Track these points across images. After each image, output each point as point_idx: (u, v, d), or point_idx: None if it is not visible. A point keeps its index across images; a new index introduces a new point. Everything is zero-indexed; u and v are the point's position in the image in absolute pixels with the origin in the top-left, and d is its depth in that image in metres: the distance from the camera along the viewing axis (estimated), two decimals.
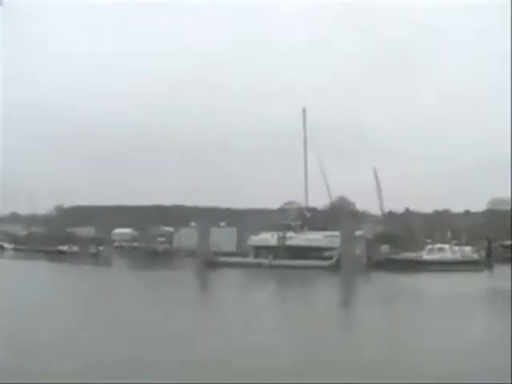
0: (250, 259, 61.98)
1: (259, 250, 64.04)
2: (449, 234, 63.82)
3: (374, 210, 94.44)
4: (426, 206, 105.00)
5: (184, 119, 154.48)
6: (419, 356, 15.27)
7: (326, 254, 58.12)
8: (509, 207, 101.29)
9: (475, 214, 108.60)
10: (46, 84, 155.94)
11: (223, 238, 73.02)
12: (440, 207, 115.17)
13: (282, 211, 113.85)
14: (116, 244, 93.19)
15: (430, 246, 62.19)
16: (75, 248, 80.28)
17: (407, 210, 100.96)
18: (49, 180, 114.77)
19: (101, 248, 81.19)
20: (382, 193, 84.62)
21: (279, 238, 62.80)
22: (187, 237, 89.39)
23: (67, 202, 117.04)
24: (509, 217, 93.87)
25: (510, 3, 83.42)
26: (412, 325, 21.81)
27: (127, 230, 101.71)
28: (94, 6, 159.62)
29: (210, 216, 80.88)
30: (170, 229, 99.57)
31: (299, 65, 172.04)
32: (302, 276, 49.54)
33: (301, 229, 65.90)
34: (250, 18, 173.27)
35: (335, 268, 54.93)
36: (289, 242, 62.35)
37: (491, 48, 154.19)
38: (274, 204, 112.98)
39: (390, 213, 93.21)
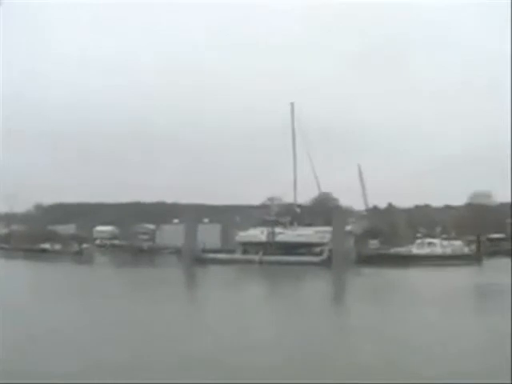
0: (240, 255, 60.72)
1: (247, 247, 62.95)
2: (438, 229, 63.52)
3: (356, 205, 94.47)
4: (406, 202, 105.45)
5: (166, 116, 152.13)
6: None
7: (318, 249, 57.54)
8: (489, 201, 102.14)
9: (457, 208, 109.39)
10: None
11: (207, 234, 71.95)
12: (420, 202, 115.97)
13: (265, 207, 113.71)
14: (98, 242, 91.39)
15: (419, 241, 61.74)
16: (57, 246, 78.47)
17: (390, 205, 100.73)
18: (28, 177, 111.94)
19: (83, 246, 79.41)
20: (365, 188, 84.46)
21: (269, 234, 61.60)
22: (170, 234, 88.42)
23: (46, 200, 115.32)
24: (490, 210, 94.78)
25: (510, 3, 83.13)
26: (406, 320, 20.95)
27: (108, 228, 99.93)
28: (93, 6, 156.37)
29: (192, 213, 79.35)
30: (152, 226, 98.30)
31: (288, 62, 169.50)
32: (293, 272, 47.92)
33: (290, 224, 64.99)
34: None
35: (327, 263, 54.01)
36: (278, 238, 61.21)
37: (477, 47, 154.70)
38: (255, 200, 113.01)
39: (375, 208, 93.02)
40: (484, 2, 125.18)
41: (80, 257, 71.36)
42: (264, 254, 58.26)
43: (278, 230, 62.33)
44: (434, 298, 28.77)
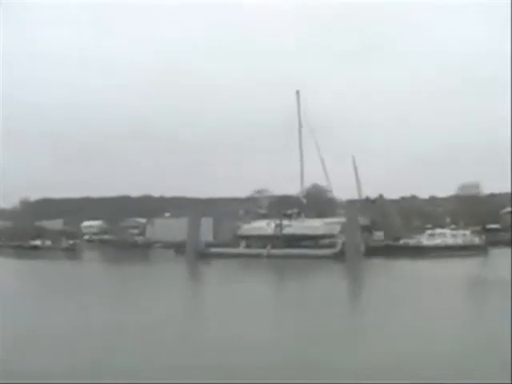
0: (246, 249, 57.35)
1: (252, 240, 60.29)
2: (448, 219, 61.97)
3: (346, 197, 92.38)
4: (392, 193, 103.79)
5: (153, 111, 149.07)
6: None
7: (328, 241, 55.27)
8: (477, 192, 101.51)
9: (448, 200, 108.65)
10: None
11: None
12: (407, 193, 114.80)
13: (253, 200, 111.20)
14: (87, 237, 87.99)
15: (429, 232, 60.01)
16: (48, 242, 74.95)
17: (381, 196, 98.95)
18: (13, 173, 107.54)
19: (72, 242, 76.06)
20: (360, 180, 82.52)
21: (276, 227, 58.09)
22: (162, 228, 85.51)
23: (33, 195, 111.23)
24: (478, 201, 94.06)
25: (510, 3, 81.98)
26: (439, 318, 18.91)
27: (96, 223, 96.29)
28: (93, 6, 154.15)
29: (179, 206, 76.67)
30: (142, 220, 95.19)
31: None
32: (306, 267, 45.34)
33: (298, 216, 61.88)
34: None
35: (340, 257, 51.51)
36: (286, 231, 57.45)
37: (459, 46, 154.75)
38: (242, 193, 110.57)
39: (367, 199, 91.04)
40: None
41: (73, 253, 68.12)
42: (272, 247, 55.82)
43: (284, 222, 59.71)
44: (472, 293, 27.15)
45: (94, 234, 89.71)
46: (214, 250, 57.35)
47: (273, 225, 58.51)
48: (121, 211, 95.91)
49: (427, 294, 25.97)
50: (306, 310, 21.80)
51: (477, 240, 58.26)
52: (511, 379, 10.59)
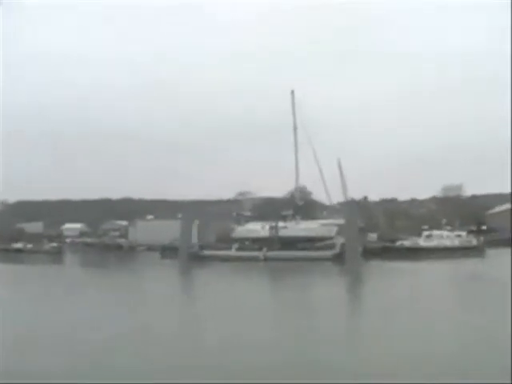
0: (242, 252, 54.89)
1: (245, 243, 58.41)
2: (444, 221, 60.96)
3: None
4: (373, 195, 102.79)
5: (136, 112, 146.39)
6: None
7: (324, 243, 53.60)
8: (458, 193, 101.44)
9: (426, 201, 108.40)
10: None
11: (178, 229, 67.04)
12: (388, 196, 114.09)
13: (236, 202, 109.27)
14: (69, 240, 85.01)
15: (426, 233, 58.96)
16: (30, 246, 71.73)
17: (365, 198, 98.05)
18: None
19: (55, 245, 73.10)
20: (346, 182, 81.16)
21: (271, 229, 55.68)
22: (144, 230, 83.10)
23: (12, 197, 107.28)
24: (461, 202, 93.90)
25: (510, 3, 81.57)
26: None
27: (77, 225, 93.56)
28: (93, 7, 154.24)
29: (159, 208, 74.57)
30: (124, 222, 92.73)
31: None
32: (307, 269, 43.81)
33: (293, 218, 59.82)
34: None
35: (340, 258, 50.26)
36: (282, 233, 55.07)
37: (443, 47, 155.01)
38: (223, 195, 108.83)
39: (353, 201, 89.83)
40: None
41: (57, 256, 65.10)
42: (267, 249, 53.89)
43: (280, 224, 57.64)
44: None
45: (76, 236, 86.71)
46: (207, 252, 55.20)
47: (267, 227, 56.48)
48: (101, 214, 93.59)
49: (433, 298, 24.76)
50: (317, 315, 20.38)
51: (474, 241, 57.43)
52: (511, 379, 10.33)
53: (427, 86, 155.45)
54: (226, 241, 61.06)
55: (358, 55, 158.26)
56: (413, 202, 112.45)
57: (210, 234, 67.53)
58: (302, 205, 63.09)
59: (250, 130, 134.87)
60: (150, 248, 71.71)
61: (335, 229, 54.10)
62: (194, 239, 67.59)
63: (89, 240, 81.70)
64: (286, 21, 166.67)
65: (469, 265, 45.89)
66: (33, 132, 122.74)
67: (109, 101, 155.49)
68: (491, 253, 55.62)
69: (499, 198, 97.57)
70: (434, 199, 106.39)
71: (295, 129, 59.93)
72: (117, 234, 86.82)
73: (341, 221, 55.34)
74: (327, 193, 61.73)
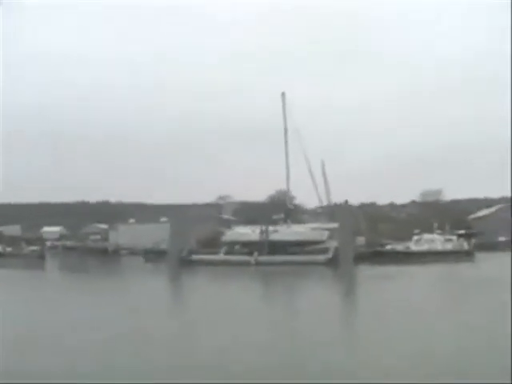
0: (234, 257, 53.34)
1: (233, 247, 56.89)
2: (435, 225, 60.36)
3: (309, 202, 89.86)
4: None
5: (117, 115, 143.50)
6: None
7: (314, 247, 52.44)
8: (439, 198, 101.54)
9: (407, 206, 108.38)
10: None
11: (161, 233, 65.71)
12: (366, 200, 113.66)
13: (217, 206, 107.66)
14: (49, 243, 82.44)
15: (416, 237, 58.47)
16: (9, 249, 69.25)
17: (346, 202, 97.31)
18: None
19: (35, 248, 70.69)
20: (329, 185, 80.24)
21: (262, 233, 53.69)
22: (126, 234, 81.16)
23: None
24: (441, 206, 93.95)
25: (510, 3, 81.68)
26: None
27: (56, 228, 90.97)
28: (92, 7, 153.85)
29: (177, 212, 72.60)
30: (104, 226, 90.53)
31: None
32: (300, 274, 42.53)
33: (284, 222, 58.03)
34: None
35: (333, 263, 48.75)
36: (273, 237, 53.18)
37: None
38: (200, 199, 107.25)
39: (336, 205, 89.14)
40: None
41: (38, 261, 62.74)
42: (259, 254, 52.47)
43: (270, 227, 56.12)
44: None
45: (56, 239, 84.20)
46: (197, 257, 53.62)
47: (257, 231, 55.04)
48: (80, 217, 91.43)
49: (434, 303, 23.97)
50: (321, 322, 18.94)
51: (465, 245, 57.06)
52: (511, 379, 10.21)
53: (420, 88, 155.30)
54: (209, 245, 59.69)
55: (352, 55, 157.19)
56: (392, 206, 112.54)
57: (191, 238, 65.87)
58: (292, 209, 61.76)
59: (238, 133, 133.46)
60: (133, 252, 69.96)
61: (327, 233, 52.97)
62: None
63: (69, 243, 79.36)
64: (284, 21, 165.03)
65: (462, 269, 45.55)
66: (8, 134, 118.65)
67: (103, 101, 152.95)
68: (479, 257, 55.45)
69: (476, 203, 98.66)
70: (413, 204, 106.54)
71: (286, 131, 58.71)
72: (98, 237, 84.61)
73: (332, 224, 54.41)
74: (319, 196, 60.68)
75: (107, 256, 69.71)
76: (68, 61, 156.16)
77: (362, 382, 10.74)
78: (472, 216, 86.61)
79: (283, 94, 59.36)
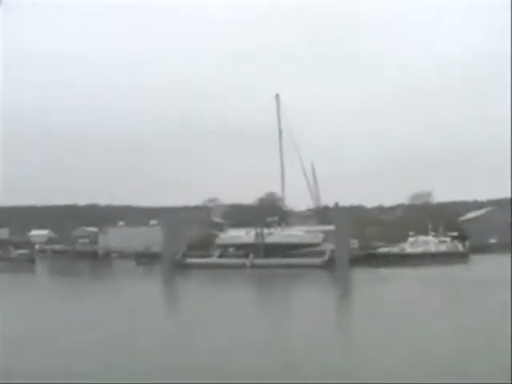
0: (230, 260, 52.29)
1: (227, 249, 56.11)
2: (429, 227, 59.86)
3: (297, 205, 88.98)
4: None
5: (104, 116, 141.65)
6: None
7: (308, 250, 51.79)
8: (428, 200, 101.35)
9: (395, 208, 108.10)
10: None
11: (151, 236, 64.75)
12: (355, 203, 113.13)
13: (206, 208, 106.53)
14: (37, 247, 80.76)
15: (411, 239, 58.07)
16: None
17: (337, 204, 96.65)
18: None
19: (23, 251, 69.17)
20: (318, 187, 79.57)
21: (257, 235, 53.03)
22: (115, 237, 79.70)
23: None
24: (430, 208, 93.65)
25: (510, 3, 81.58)
26: None
27: (44, 232, 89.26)
28: (92, 7, 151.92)
29: (170, 214, 71.54)
30: (93, 229, 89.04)
31: None
32: (298, 277, 41.85)
33: (278, 225, 57.25)
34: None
35: (329, 266, 48.03)
36: (268, 240, 52.63)
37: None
38: (189, 201, 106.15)
39: (326, 207, 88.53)
40: None
41: (28, 264, 61.32)
42: (254, 256, 51.67)
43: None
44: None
45: (44, 243, 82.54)
46: (192, 260, 52.70)
47: (252, 233, 54.26)
48: (68, 220, 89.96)
49: (437, 305, 23.68)
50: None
51: (460, 247, 56.76)
52: (511, 379, 10.18)
53: (408, 92, 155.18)
54: (202, 248, 58.80)
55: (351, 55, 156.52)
56: (380, 208, 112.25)
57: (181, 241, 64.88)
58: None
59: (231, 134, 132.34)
60: (123, 255, 68.73)
61: (321, 235, 52.35)
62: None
63: (58, 247, 77.81)
64: (284, 21, 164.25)
65: (459, 271, 45.31)
66: None
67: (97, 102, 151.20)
68: (473, 259, 55.27)
69: (465, 206, 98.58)
70: (402, 206, 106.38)
71: (280, 133, 57.93)
72: (86, 240, 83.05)
73: (327, 227, 53.78)
74: (314, 199, 60.03)
75: (98, 259, 68.23)
76: (68, 61, 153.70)
77: (361, 382, 10.58)
78: (462, 218, 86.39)
79: (277, 96, 58.61)
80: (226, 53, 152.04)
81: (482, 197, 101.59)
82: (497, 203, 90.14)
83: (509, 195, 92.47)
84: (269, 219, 57.52)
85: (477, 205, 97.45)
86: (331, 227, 52.97)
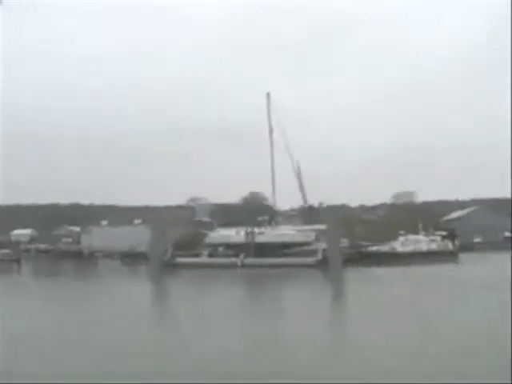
0: (220, 259, 51.52)
1: (217, 249, 55.25)
2: (420, 226, 59.79)
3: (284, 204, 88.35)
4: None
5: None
6: None
7: (308, 249, 51.06)
8: (411, 200, 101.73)
9: (377, 207, 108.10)
10: None
11: (136, 236, 63.63)
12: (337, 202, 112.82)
13: (190, 208, 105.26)
14: (21, 246, 78.66)
15: (402, 238, 57.76)
16: None
17: (321, 204, 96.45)
18: None
19: (5, 251, 67.27)
20: (304, 187, 79.04)
21: (248, 234, 52.44)
22: (99, 236, 78.20)
23: None
24: (413, 208, 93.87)
25: (510, 3, 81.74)
26: None
27: (27, 231, 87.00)
28: (92, 7, 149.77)
29: (156, 214, 70.38)
30: (76, 228, 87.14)
31: None
32: (290, 277, 41.53)
33: (269, 224, 56.71)
34: None
35: (322, 265, 47.53)
36: (259, 239, 51.95)
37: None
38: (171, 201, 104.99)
39: (310, 207, 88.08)
40: None
41: (13, 264, 59.76)
42: (245, 256, 50.86)
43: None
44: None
45: (27, 242, 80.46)
46: (182, 259, 51.75)
47: (242, 232, 53.42)
48: (51, 219, 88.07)
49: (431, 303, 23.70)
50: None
51: (450, 246, 56.70)
52: (511, 379, 10.17)
53: (395, 90, 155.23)
54: (191, 247, 57.96)
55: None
56: (363, 208, 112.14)
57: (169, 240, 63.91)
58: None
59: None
60: (107, 255, 67.45)
61: (313, 234, 51.79)
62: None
63: (43, 246, 75.98)
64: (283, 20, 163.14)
65: (450, 269, 45.27)
66: None
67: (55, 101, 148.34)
68: (464, 257, 55.22)
69: (448, 205, 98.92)
70: (384, 206, 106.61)
71: (271, 131, 57.21)
72: (69, 240, 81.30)
73: (318, 226, 53.22)
74: (304, 198, 59.43)
75: (83, 259, 66.81)
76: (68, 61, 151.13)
77: (361, 382, 10.51)
78: (446, 218, 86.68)
79: (268, 95, 57.88)
80: (226, 53, 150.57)
81: (465, 196, 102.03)
82: (480, 203, 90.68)
83: (489, 196, 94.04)
84: (259, 218, 56.78)
85: (460, 204, 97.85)
86: (322, 226, 52.42)
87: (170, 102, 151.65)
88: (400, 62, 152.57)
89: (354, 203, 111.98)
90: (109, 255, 66.49)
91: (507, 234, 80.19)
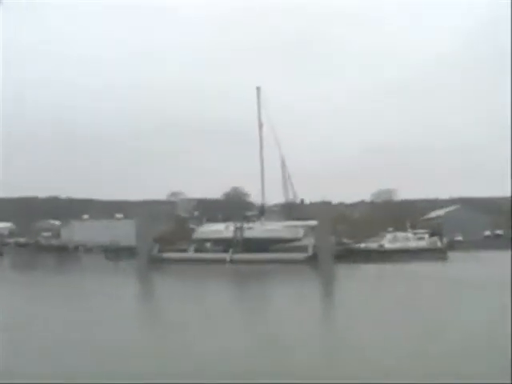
0: (207, 254, 50.86)
1: (204, 244, 54.31)
2: (408, 224, 59.74)
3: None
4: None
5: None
6: None
7: (297, 245, 50.50)
8: (391, 198, 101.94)
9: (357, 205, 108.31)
10: None
11: (120, 230, 62.30)
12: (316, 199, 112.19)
13: (170, 203, 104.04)
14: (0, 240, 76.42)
15: (390, 236, 57.38)
16: None
17: (302, 200, 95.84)
18: None
19: None
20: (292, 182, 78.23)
21: (236, 230, 51.60)
22: (80, 230, 76.57)
23: None
24: (393, 206, 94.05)
25: (510, 3, 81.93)
26: None
27: (6, 224, 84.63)
28: (92, 7, 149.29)
29: (141, 208, 68.88)
30: (56, 222, 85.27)
31: None
32: (281, 273, 40.85)
33: (258, 219, 55.35)
34: None
35: (312, 261, 46.89)
36: (247, 234, 51.12)
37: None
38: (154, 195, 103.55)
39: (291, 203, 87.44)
40: None
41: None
42: (233, 251, 50.04)
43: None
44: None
45: (6, 236, 78.28)
46: (169, 254, 50.69)
47: (231, 227, 52.55)
48: (29, 213, 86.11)
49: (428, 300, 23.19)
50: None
51: (439, 243, 56.66)
52: (511, 379, 10.07)
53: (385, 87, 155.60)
54: (174, 242, 56.97)
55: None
56: (343, 205, 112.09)
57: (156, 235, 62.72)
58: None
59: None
60: (88, 249, 65.99)
61: (302, 230, 51.15)
62: (132, 240, 62.44)
63: (23, 240, 74.04)
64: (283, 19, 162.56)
65: (439, 267, 45.09)
66: None
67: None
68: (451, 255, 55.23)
69: (428, 204, 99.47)
70: (363, 203, 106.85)
71: (260, 126, 56.33)
72: (49, 233, 79.40)
73: (309, 222, 52.61)
74: (294, 194, 58.67)
75: (64, 253, 65.14)
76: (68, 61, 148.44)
77: (361, 382, 10.36)
78: (427, 216, 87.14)
79: (258, 89, 56.99)
80: (225, 52, 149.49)
81: (445, 195, 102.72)
82: (460, 201, 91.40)
83: (466, 195, 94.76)
84: (248, 213, 56.02)
85: (440, 203, 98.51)
86: (313, 222, 51.72)
87: (170, 102, 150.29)
88: (400, 62, 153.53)
89: (334, 200, 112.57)
90: (90, 249, 65.07)
91: (487, 232, 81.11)
